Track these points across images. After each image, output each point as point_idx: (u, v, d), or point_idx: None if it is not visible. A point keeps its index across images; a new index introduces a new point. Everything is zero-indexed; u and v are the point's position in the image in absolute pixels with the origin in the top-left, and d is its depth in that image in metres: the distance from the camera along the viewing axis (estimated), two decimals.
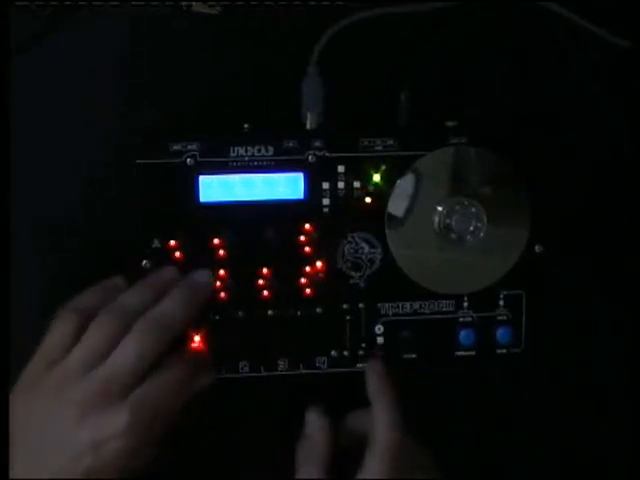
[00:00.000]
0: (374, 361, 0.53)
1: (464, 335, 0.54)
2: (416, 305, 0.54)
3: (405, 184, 0.52)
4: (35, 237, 0.52)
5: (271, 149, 0.51)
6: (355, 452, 0.50)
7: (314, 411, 0.53)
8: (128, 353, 0.46)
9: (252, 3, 0.52)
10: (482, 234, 0.52)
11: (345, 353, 0.53)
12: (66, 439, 0.45)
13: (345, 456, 0.51)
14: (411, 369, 0.54)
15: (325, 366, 0.53)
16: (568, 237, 0.56)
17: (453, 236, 0.52)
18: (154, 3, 0.51)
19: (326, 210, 0.52)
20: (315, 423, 0.52)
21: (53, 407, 0.46)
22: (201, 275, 0.51)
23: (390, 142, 0.52)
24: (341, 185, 0.52)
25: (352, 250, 0.52)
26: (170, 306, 0.48)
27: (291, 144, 0.51)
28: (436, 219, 0.52)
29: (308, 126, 0.51)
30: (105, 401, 0.45)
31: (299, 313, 0.53)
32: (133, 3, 0.51)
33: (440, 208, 0.52)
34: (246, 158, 0.51)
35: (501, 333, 0.54)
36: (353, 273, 0.53)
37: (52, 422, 0.45)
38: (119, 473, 0.46)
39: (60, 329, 0.48)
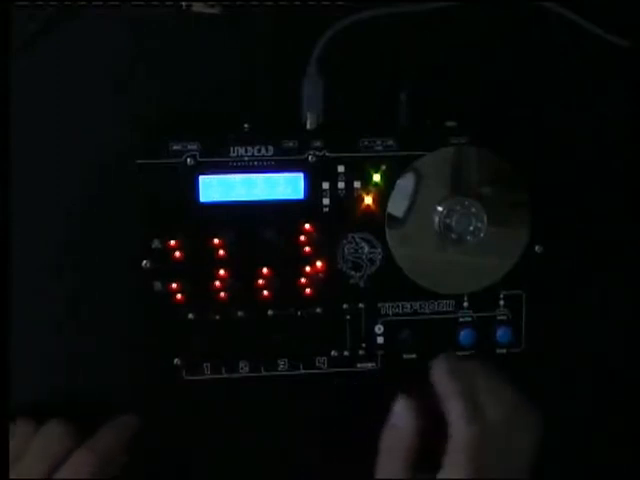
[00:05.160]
0: (439, 359, 0.51)
1: (464, 335, 0.54)
2: (416, 305, 0.54)
3: (405, 184, 0.52)
4: (35, 237, 0.52)
5: (271, 149, 0.51)
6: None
7: (402, 401, 0.51)
8: None
9: (252, 3, 0.52)
10: (482, 234, 0.52)
11: (345, 353, 0.53)
12: None
13: (431, 447, 0.49)
14: (411, 369, 0.54)
15: (325, 366, 0.53)
16: (568, 237, 0.56)
17: (453, 236, 0.52)
18: (154, 3, 0.51)
19: (326, 210, 0.52)
20: (401, 413, 0.50)
21: None
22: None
23: (390, 142, 0.52)
24: (341, 185, 0.52)
25: (352, 250, 0.52)
26: None
27: (291, 144, 0.51)
28: (436, 219, 0.52)
29: (308, 126, 0.51)
30: None
31: (299, 313, 0.53)
32: (133, 3, 0.51)
33: (440, 208, 0.52)
34: (246, 158, 0.51)
35: (501, 333, 0.54)
36: (353, 273, 0.53)
37: None
38: None
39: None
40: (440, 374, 0.51)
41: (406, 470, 0.49)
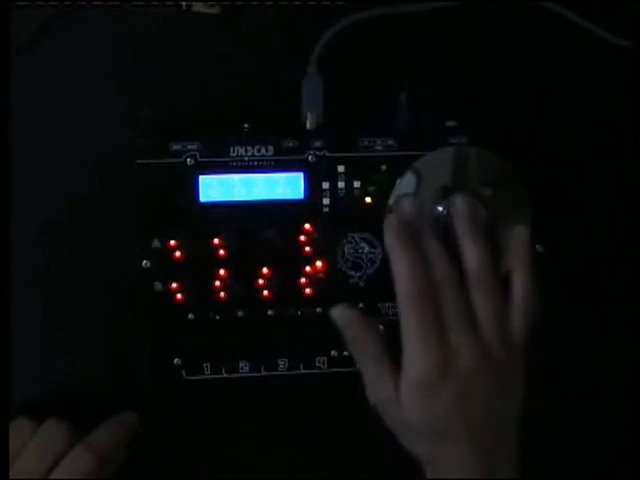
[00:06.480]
0: (387, 219, 0.49)
1: None
2: None
3: (405, 184, 0.52)
4: (35, 237, 0.52)
5: (271, 149, 0.51)
6: None
7: (339, 311, 0.49)
8: None
9: (252, 3, 0.52)
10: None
11: (345, 353, 0.53)
12: None
13: None
14: None
15: (325, 366, 0.53)
16: (568, 237, 0.56)
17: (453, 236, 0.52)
18: (154, 3, 0.51)
19: (326, 210, 0.52)
20: (346, 322, 0.49)
21: None
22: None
23: (390, 142, 0.52)
24: (341, 185, 0.52)
25: (352, 250, 0.52)
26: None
27: (291, 144, 0.51)
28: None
29: (308, 126, 0.51)
30: None
31: (299, 313, 0.53)
32: (133, 3, 0.51)
33: (440, 208, 0.52)
34: (246, 158, 0.51)
35: None
36: (353, 273, 0.53)
37: None
38: None
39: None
40: (386, 233, 0.48)
41: (384, 372, 0.48)
